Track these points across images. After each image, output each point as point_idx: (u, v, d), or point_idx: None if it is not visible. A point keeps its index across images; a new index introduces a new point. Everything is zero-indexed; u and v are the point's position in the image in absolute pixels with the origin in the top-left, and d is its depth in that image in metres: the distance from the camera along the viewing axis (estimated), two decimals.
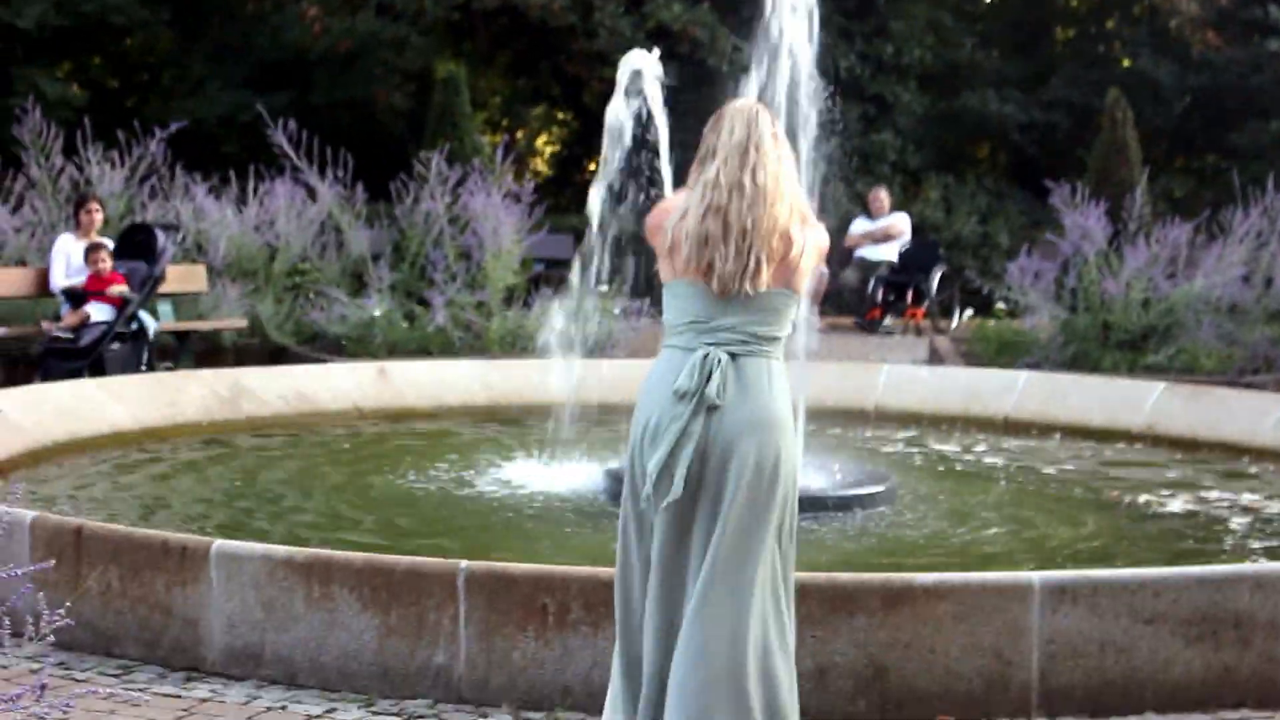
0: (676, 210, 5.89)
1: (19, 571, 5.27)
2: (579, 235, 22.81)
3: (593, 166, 32.77)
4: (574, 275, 12.23)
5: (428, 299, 18.20)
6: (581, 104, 32.72)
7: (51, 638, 5.05)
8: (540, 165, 32.50)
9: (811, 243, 5.90)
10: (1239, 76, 29.61)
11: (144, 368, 15.91)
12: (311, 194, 19.81)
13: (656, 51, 11.75)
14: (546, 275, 20.46)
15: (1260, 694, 7.32)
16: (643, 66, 11.62)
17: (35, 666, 5.15)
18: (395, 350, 17.14)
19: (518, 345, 17.60)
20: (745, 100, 6.10)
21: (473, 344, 17.57)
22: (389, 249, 19.79)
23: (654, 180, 12.04)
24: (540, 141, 34.14)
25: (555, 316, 12.57)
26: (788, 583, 5.86)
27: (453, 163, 19.33)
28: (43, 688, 4.79)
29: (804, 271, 5.92)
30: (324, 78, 28.04)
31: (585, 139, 33.55)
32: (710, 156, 5.89)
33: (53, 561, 6.55)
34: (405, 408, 14.25)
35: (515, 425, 13.37)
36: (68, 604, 5.40)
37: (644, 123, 11.84)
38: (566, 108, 34.24)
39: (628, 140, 11.85)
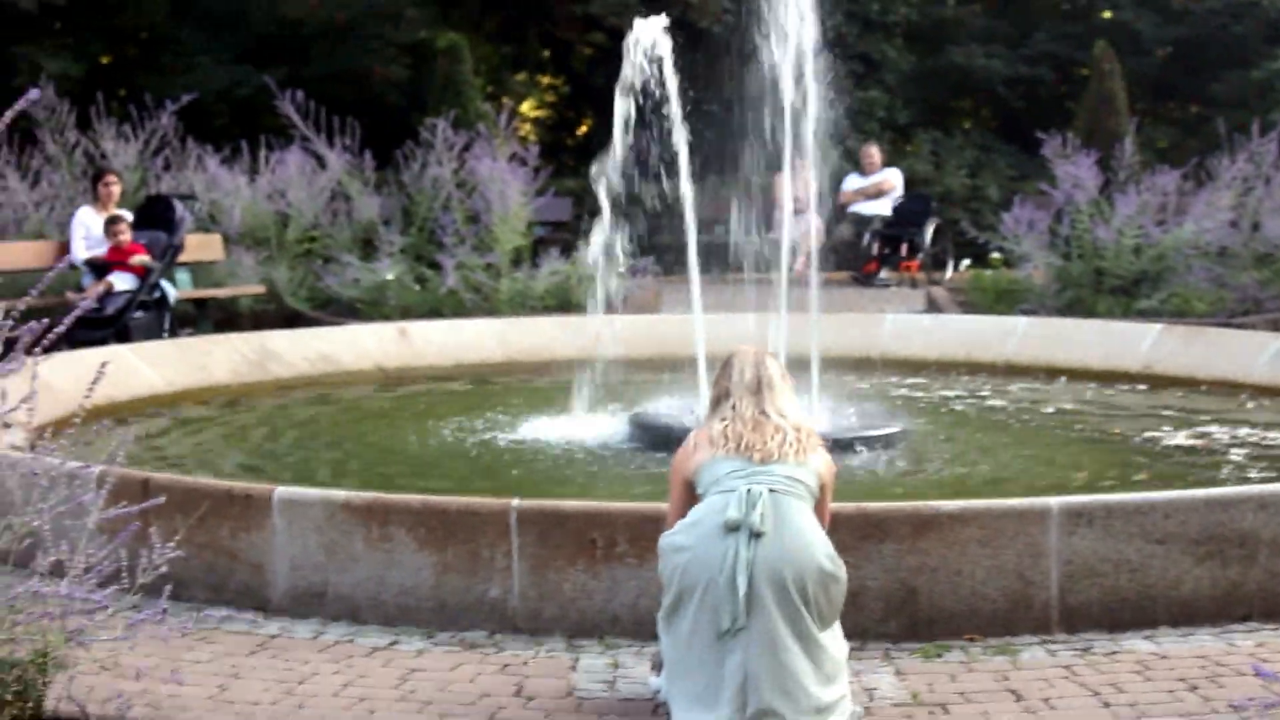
0: (696, 441, 6.58)
1: (90, 524, 5.66)
2: (577, 198, 23.22)
3: (583, 129, 33.07)
4: (597, 239, 12.53)
5: (438, 262, 18.54)
6: (570, 68, 33.00)
7: (148, 579, 5.48)
8: (528, 131, 32.70)
9: (823, 464, 6.57)
10: (1219, 26, 29.91)
11: (166, 334, 16.28)
12: (321, 163, 20.16)
13: (664, 19, 12.06)
14: (550, 238, 20.79)
15: (1266, 607, 7.73)
16: (652, 38, 11.95)
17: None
18: (408, 312, 17.47)
19: (527, 305, 17.96)
20: (749, 346, 6.87)
21: (482, 305, 17.91)
22: (398, 214, 20.11)
23: (667, 154, 12.39)
24: (527, 106, 34.38)
25: (595, 276, 12.88)
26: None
27: (457, 129, 19.68)
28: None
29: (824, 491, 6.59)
30: (320, 51, 28.23)
31: (575, 103, 33.83)
32: (725, 396, 6.63)
33: (163, 498, 6.90)
34: (426, 366, 14.64)
35: (536, 380, 13.76)
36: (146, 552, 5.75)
37: (648, 93, 12.19)
38: (556, 73, 34.49)
39: (632, 115, 12.20)
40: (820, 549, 6.25)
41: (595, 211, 12.45)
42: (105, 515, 5.53)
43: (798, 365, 11.64)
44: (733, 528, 6.21)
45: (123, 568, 5.39)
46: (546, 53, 33.48)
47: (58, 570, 5.21)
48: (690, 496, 6.52)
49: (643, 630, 7.36)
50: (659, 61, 11.91)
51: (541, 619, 7.59)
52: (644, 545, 7.43)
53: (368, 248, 19.62)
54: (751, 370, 6.65)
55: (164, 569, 5.45)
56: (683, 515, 6.46)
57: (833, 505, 6.75)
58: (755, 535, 6.19)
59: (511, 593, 7.61)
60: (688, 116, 12.12)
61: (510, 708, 6.56)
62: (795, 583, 6.14)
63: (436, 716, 6.44)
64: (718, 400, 6.68)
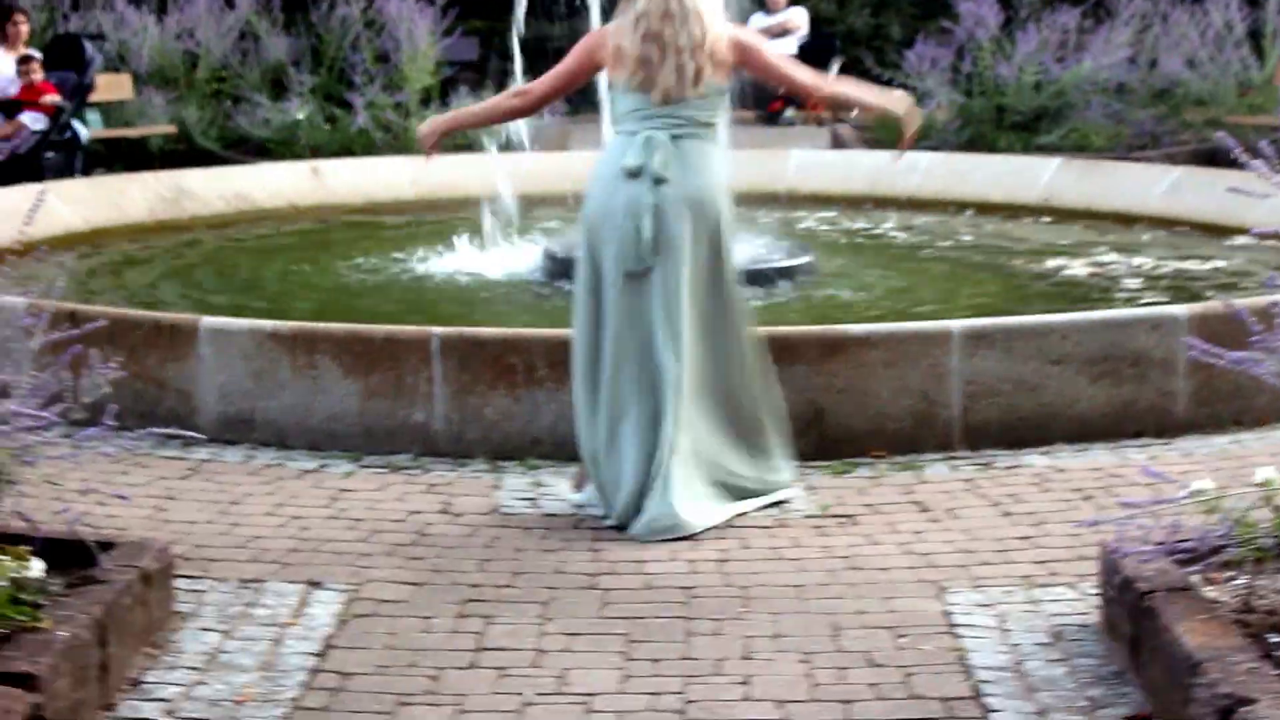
0: (613, 33, 6.81)
1: (33, 345, 5.83)
2: (484, 37, 23.22)
3: None
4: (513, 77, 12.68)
5: (348, 101, 18.59)
6: None
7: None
8: None
9: (736, 40, 6.90)
10: None
11: (78, 174, 16.32)
12: (229, 2, 20.12)
13: None
14: (458, 77, 20.83)
15: (1157, 424, 8.10)
16: None
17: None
18: (319, 152, 17.51)
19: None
20: None
21: (393, 143, 18.00)
22: (307, 54, 20.12)
23: None
24: None
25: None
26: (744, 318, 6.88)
27: None
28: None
29: (730, 66, 6.91)
30: None
31: None
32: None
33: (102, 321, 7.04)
34: (340, 204, 14.76)
35: (449, 217, 13.96)
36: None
37: None
38: None
39: None
40: (723, 193, 6.79)
41: (503, 51, 12.58)
42: (49, 338, 5.72)
43: None
44: (633, 174, 6.67)
45: (65, 389, 5.59)
46: None
47: (3, 392, 5.40)
48: (577, 77, 7.06)
49: (561, 451, 7.65)
50: None
51: (464, 442, 7.86)
52: (562, 370, 7.67)
53: (277, 88, 19.61)
54: None
55: (106, 388, 5.65)
56: (559, 83, 7.03)
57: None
58: (657, 181, 6.63)
59: (435, 417, 7.87)
60: None
61: (438, 523, 6.84)
62: (705, 223, 6.69)
63: (368, 532, 6.72)
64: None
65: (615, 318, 6.74)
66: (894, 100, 7.51)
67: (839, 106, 8.56)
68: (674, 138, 6.73)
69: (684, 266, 6.68)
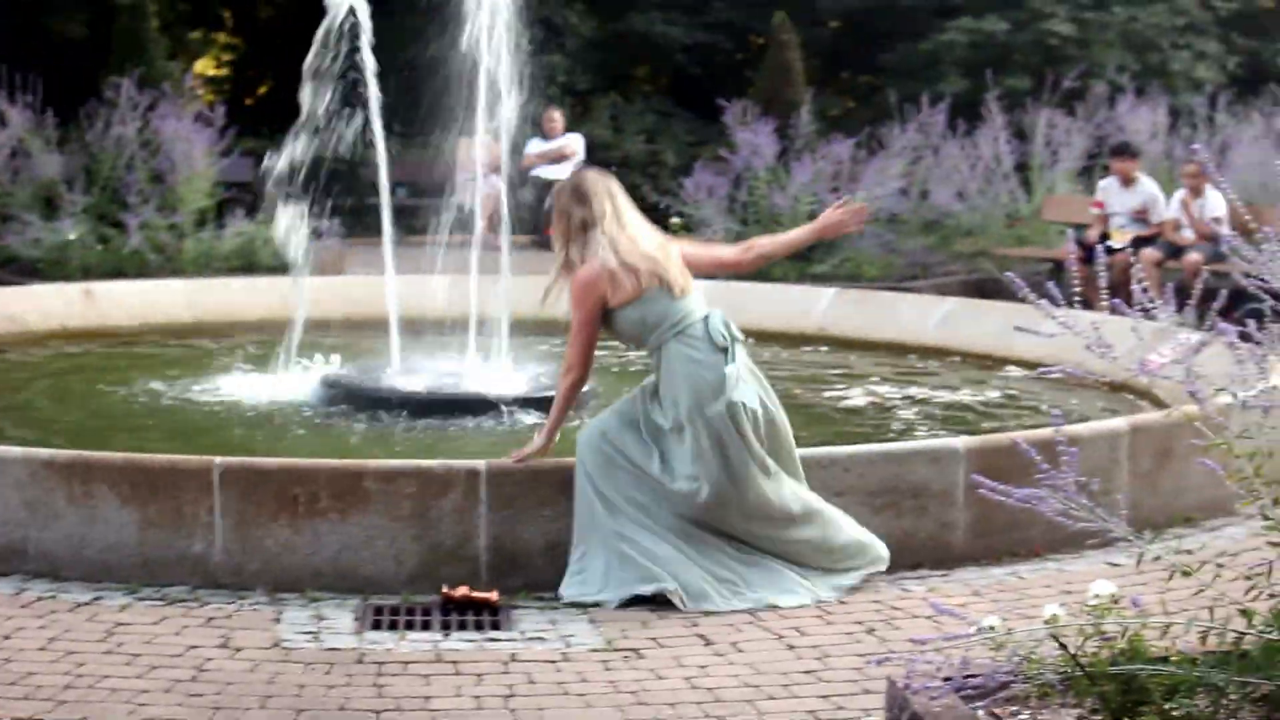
0: (602, 264, 7.61)
1: None
2: (259, 159, 23.13)
3: (263, 89, 32.81)
4: (281, 203, 12.64)
5: (122, 221, 18.39)
6: (250, 27, 32.70)
7: None
8: (205, 91, 32.26)
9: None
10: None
11: None
12: (1, 118, 19.85)
13: None
14: (234, 198, 20.71)
15: (935, 556, 8.22)
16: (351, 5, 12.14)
17: None
18: (91, 272, 17.29)
19: (212, 266, 17.90)
20: (595, 172, 8.05)
21: (166, 265, 17.83)
22: (81, 173, 19.87)
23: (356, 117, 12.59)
24: (205, 64, 33.93)
25: (282, 237, 12.91)
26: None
27: (142, 88, 19.52)
28: None
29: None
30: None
31: (255, 62, 33.50)
32: (603, 216, 7.73)
33: None
34: (114, 327, 14.50)
35: (225, 341, 13.81)
36: None
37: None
38: (234, 32, 34.14)
39: (330, 89, 12.36)
40: None
41: (280, 174, 12.53)
42: None
43: (489, 328, 11.92)
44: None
45: None
46: (226, 11, 33.15)
47: None
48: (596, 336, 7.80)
49: (344, 583, 7.61)
50: (353, 24, 12.06)
51: (244, 574, 7.74)
52: (346, 500, 7.66)
53: (49, 206, 19.35)
54: (609, 195, 7.81)
55: None
56: (588, 354, 7.80)
57: (549, 460, 7.72)
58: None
59: (215, 548, 7.75)
60: (378, 77, 12.35)
61: (217, 659, 6.72)
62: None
63: (145, 668, 6.57)
64: (584, 229, 7.74)
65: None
66: (819, 224, 8.32)
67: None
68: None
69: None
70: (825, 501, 7.84)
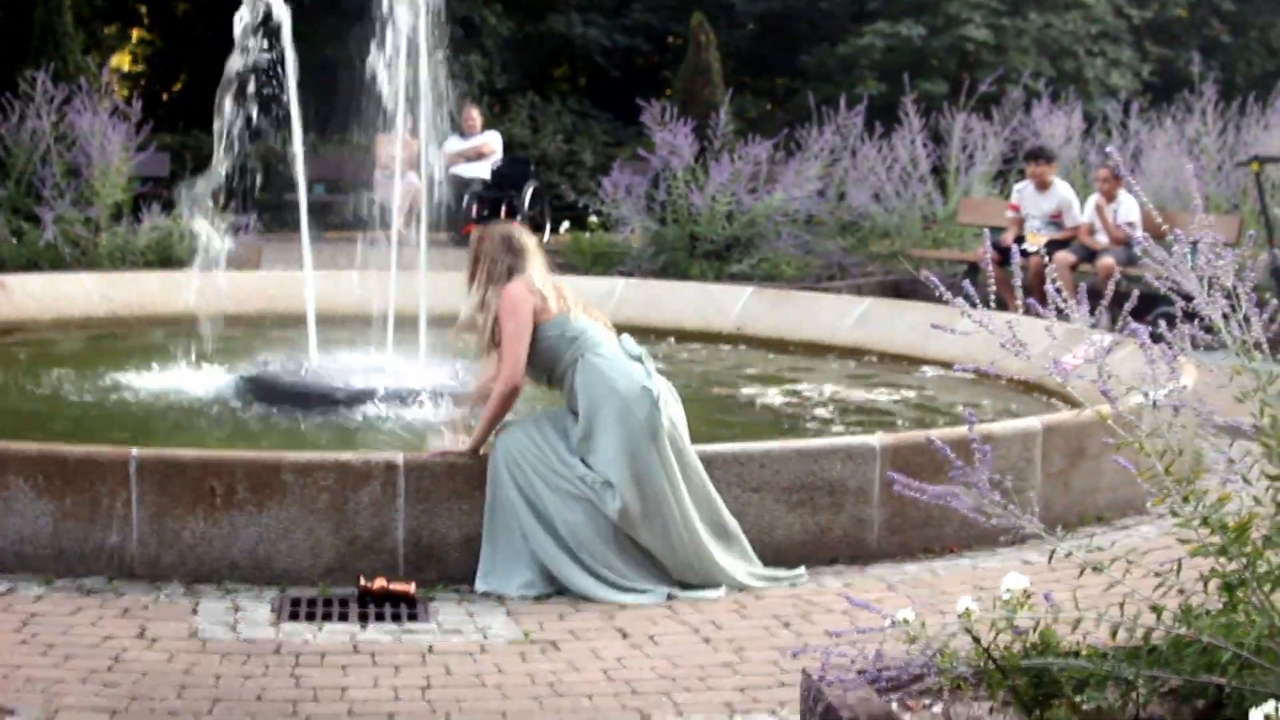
0: (529, 289, 7.91)
1: None
2: (175, 154, 23.05)
3: (179, 85, 32.62)
4: (197, 195, 12.62)
5: (36, 215, 18.28)
6: (166, 22, 32.49)
7: None
8: (119, 86, 32.03)
9: None
10: (806, 2, 30.81)
11: None
12: None
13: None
14: (149, 193, 20.58)
15: (850, 550, 8.29)
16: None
17: None
18: (4, 266, 17.14)
19: (127, 260, 17.80)
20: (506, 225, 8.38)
21: (81, 259, 17.73)
22: None
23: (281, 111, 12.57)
24: (120, 60, 33.67)
25: (199, 233, 12.89)
26: None
27: (58, 82, 19.40)
28: None
29: None
30: None
31: (170, 58, 33.29)
32: (519, 263, 8.03)
33: None
34: (28, 319, 14.46)
35: (141, 335, 13.75)
36: None
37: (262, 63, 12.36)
38: (151, 28, 33.93)
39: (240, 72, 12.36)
40: None
41: (195, 168, 12.52)
42: None
43: (407, 323, 11.93)
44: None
45: None
46: (142, 6, 32.93)
47: None
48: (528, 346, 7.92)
49: (259, 575, 7.62)
50: (274, 23, 12.06)
51: (161, 565, 7.72)
52: (263, 492, 7.65)
53: None
54: (519, 243, 8.10)
55: None
56: (523, 364, 7.89)
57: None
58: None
59: (131, 540, 7.73)
60: (297, 74, 12.33)
61: (134, 649, 6.70)
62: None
63: (61, 658, 6.55)
64: (507, 275, 7.98)
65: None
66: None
67: None
68: None
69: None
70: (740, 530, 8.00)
